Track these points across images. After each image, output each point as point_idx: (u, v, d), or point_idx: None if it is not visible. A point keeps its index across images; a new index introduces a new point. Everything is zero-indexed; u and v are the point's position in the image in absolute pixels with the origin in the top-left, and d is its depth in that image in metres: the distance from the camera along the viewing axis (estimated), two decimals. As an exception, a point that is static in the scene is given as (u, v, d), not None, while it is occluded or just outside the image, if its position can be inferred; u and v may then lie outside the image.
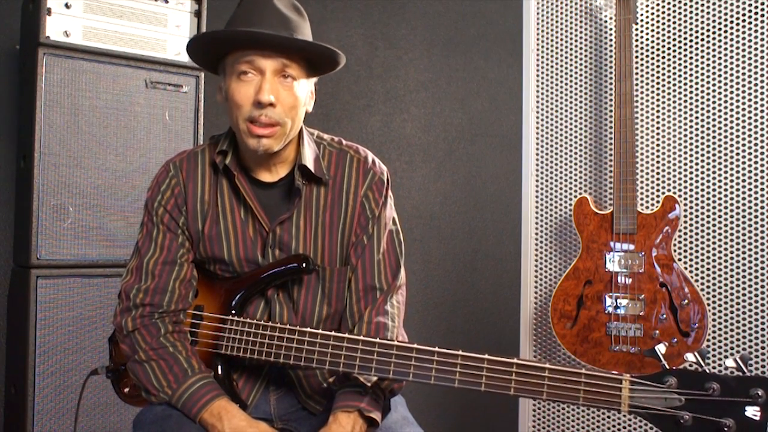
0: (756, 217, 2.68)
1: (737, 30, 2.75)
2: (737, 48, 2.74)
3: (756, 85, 2.70)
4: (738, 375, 1.15)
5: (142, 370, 1.53)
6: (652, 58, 2.94)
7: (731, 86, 2.75)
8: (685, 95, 2.86)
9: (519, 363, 1.27)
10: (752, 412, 1.12)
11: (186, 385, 1.48)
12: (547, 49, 3.28)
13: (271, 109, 1.46)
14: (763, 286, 2.66)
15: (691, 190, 2.83)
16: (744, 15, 2.73)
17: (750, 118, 2.71)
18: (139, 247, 1.61)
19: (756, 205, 2.68)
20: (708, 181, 2.79)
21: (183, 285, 1.58)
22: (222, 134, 1.62)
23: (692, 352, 1.17)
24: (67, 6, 2.10)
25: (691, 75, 2.85)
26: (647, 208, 2.91)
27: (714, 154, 2.78)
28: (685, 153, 2.85)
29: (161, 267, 1.57)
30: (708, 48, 2.81)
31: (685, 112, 2.86)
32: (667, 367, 1.20)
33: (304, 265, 1.54)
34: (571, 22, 3.19)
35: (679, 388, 1.17)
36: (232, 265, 1.59)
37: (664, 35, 2.92)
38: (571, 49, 3.19)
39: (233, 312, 1.55)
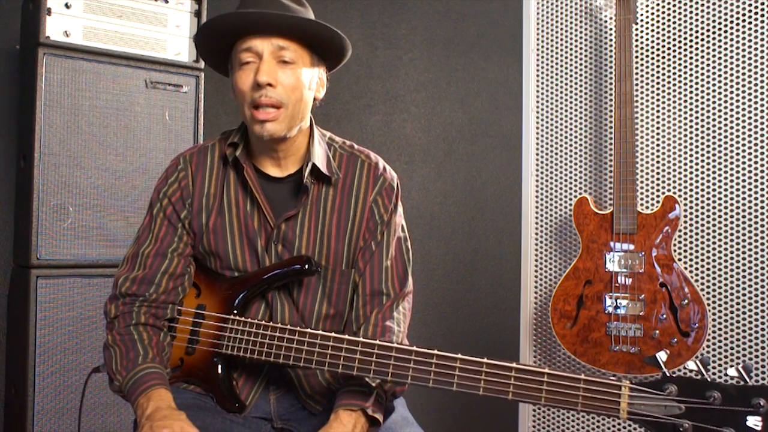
0: (756, 217, 2.68)
1: (737, 30, 2.74)
2: (737, 48, 2.74)
3: (756, 85, 2.69)
4: (739, 384, 1.13)
5: (107, 354, 1.55)
6: (652, 58, 2.94)
7: (731, 86, 2.75)
8: (685, 95, 2.86)
9: (518, 367, 1.27)
10: (753, 422, 1.10)
11: (134, 371, 1.48)
12: (547, 49, 3.27)
13: (271, 89, 1.47)
14: (763, 286, 2.66)
15: (691, 190, 2.83)
16: (744, 15, 2.73)
17: (750, 118, 2.70)
18: (139, 236, 1.63)
19: (756, 205, 2.68)
20: (708, 181, 2.79)
21: (172, 279, 1.59)
22: (234, 129, 1.64)
23: (693, 360, 1.15)
24: (67, 6, 2.10)
25: (691, 75, 2.85)
26: (647, 208, 2.91)
27: (714, 154, 2.78)
28: (685, 153, 2.85)
29: (152, 259, 1.58)
30: (708, 48, 2.81)
31: (685, 112, 2.86)
32: (668, 374, 1.19)
33: (306, 266, 1.54)
34: (571, 22, 3.19)
35: (680, 396, 1.16)
36: (235, 257, 1.59)
37: (664, 35, 2.92)
38: (571, 49, 3.19)
39: (235, 312, 1.55)
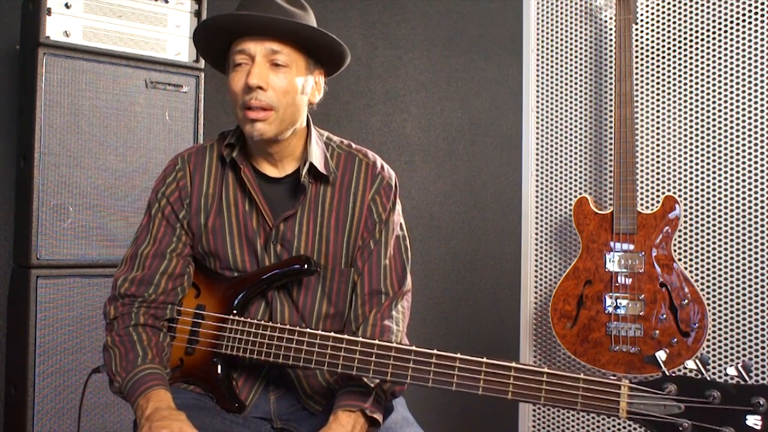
0: (756, 217, 2.68)
1: (737, 30, 2.74)
2: (737, 48, 2.74)
3: (756, 85, 2.70)
4: (739, 383, 1.13)
5: (107, 355, 1.55)
6: (652, 58, 2.94)
7: (731, 86, 2.75)
8: (685, 95, 2.86)
9: (517, 367, 1.27)
10: (753, 421, 1.10)
11: (134, 372, 1.48)
12: (547, 49, 3.27)
13: (261, 92, 1.47)
14: (763, 286, 2.66)
15: (691, 190, 2.83)
16: (744, 15, 2.73)
17: (750, 118, 2.70)
18: (137, 237, 1.63)
19: (756, 205, 2.68)
20: (708, 181, 2.79)
21: (171, 279, 1.59)
22: (231, 130, 1.64)
23: (693, 359, 1.15)
24: (67, 6, 2.09)
25: (691, 75, 2.85)
26: (647, 208, 2.91)
27: (714, 154, 2.78)
28: (685, 153, 2.85)
29: (151, 260, 1.59)
30: (708, 48, 2.81)
31: (685, 112, 2.86)
32: (668, 373, 1.18)
33: (305, 266, 1.54)
34: (571, 22, 3.19)
35: (679, 395, 1.15)
36: (234, 258, 1.59)
37: (664, 35, 2.92)
38: (571, 49, 3.19)
39: (234, 312, 1.55)
